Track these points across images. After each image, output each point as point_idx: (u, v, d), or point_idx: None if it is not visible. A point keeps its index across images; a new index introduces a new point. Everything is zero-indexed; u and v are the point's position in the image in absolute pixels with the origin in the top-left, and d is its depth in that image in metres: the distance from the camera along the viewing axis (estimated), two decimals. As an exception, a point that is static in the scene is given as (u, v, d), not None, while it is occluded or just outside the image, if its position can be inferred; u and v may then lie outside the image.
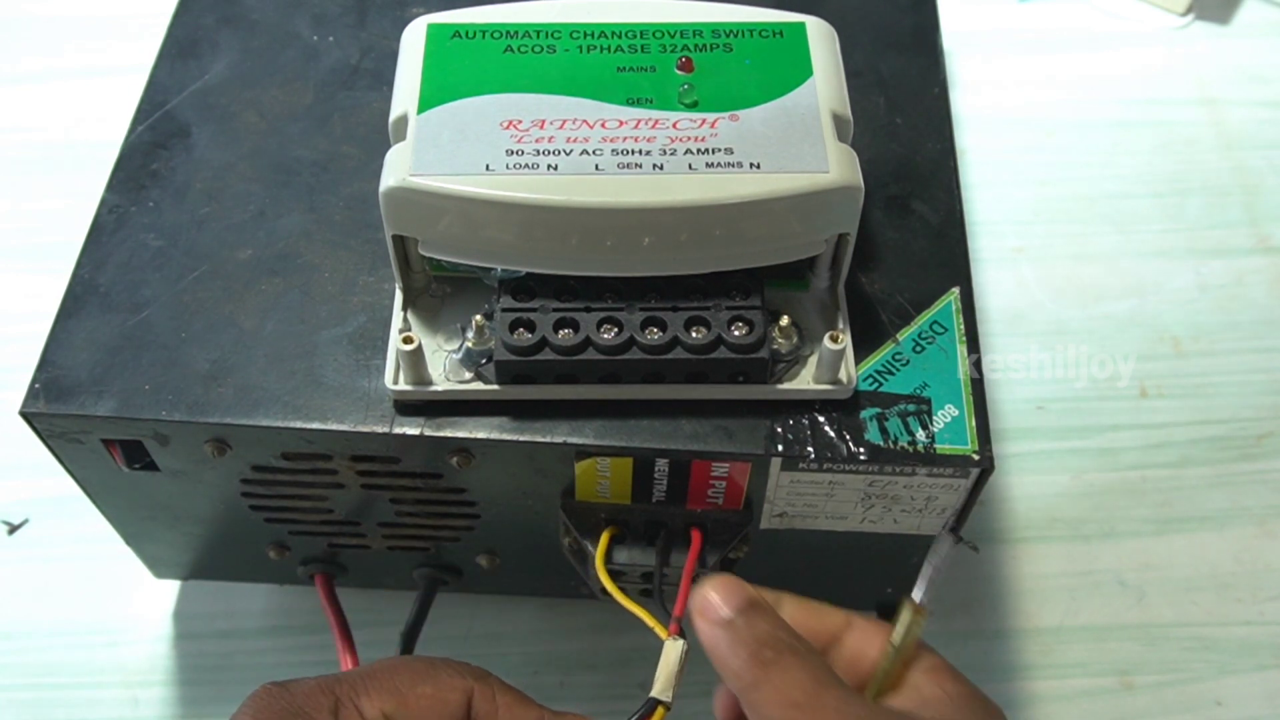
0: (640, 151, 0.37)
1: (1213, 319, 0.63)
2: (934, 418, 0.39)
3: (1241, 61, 0.75)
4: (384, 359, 0.40)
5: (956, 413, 0.40)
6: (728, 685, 0.34)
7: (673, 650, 0.37)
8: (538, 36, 0.40)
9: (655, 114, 0.38)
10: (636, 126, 0.38)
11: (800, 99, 0.39)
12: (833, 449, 0.39)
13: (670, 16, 0.41)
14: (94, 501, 0.45)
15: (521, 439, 0.39)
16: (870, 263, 0.43)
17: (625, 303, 0.38)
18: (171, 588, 0.53)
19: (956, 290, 0.43)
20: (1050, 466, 0.58)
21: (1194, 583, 0.55)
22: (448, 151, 0.37)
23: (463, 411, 0.39)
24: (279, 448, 0.40)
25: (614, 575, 0.41)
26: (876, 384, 0.40)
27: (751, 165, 0.37)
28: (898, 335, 0.41)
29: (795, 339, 0.40)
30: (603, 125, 0.38)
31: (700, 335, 0.38)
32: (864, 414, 0.40)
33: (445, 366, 0.39)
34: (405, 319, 0.40)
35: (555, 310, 0.38)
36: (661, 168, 0.37)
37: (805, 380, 0.39)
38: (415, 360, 0.38)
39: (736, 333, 0.38)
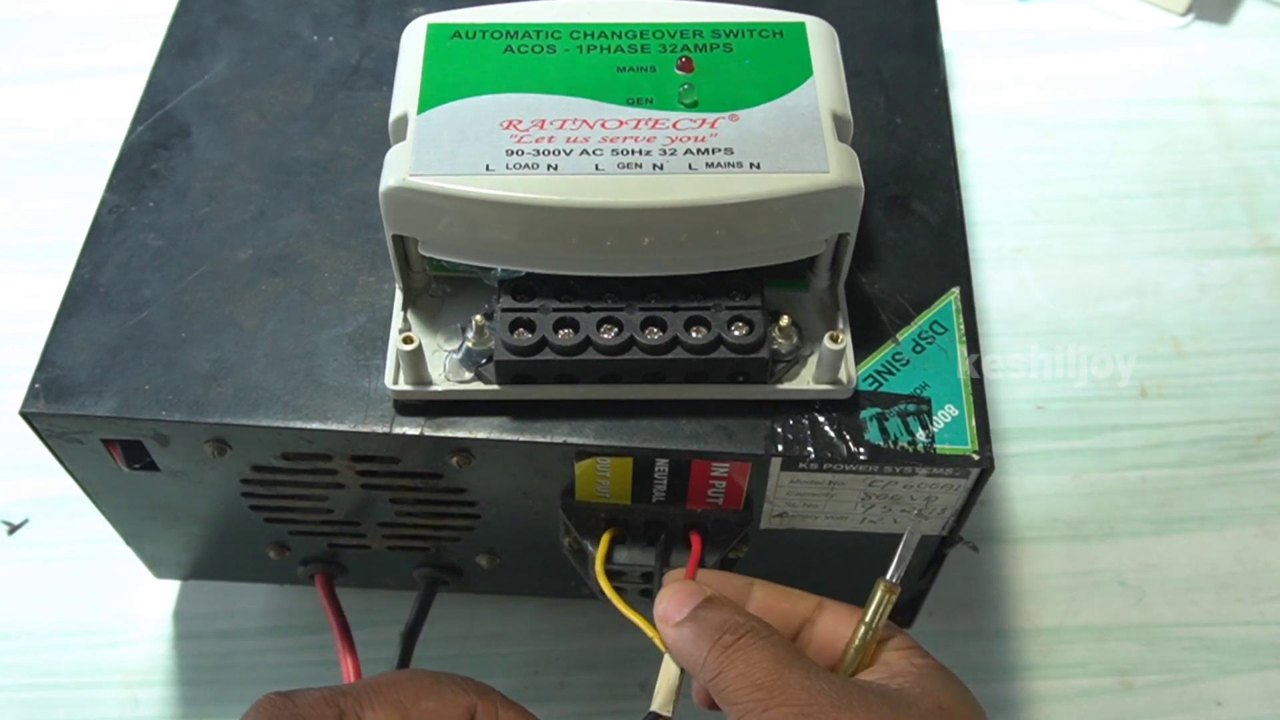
0: (640, 151, 0.37)
1: (1213, 319, 0.63)
2: (934, 418, 0.39)
3: (1241, 61, 0.75)
4: (384, 359, 0.40)
5: (956, 413, 0.40)
6: (699, 681, 0.35)
7: (673, 662, 0.36)
8: (538, 36, 0.40)
9: (655, 114, 0.38)
10: (636, 126, 0.38)
11: (800, 99, 0.39)
12: (833, 449, 0.39)
13: (670, 16, 0.41)
14: (94, 501, 0.45)
15: (521, 439, 0.39)
16: (870, 263, 0.43)
17: (625, 303, 0.38)
18: (171, 588, 0.54)
19: (956, 290, 0.43)
20: (1050, 466, 0.58)
21: (1194, 583, 0.55)
22: (448, 151, 0.37)
23: (463, 411, 0.39)
24: (279, 448, 0.40)
25: (614, 575, 0.41)
26: (876, 384, 0.40)
27: (751, 165, 0.37)
28: (898, 335, 0.41)
29: (795, 339, 0.40)
30: (603, 125, 0.38)
31: (700, 335, 0.38)
32: (864, 414, 0.40)
33: (445, 366, 0.39)
34: (405, 319, 0.40)
35: (555, 310, 0.38)
36: (661, 168, 0.37)
37: (805, 380, 0.39)
38: (415, 360, 0.38)
39: (736, 333, 0.38)
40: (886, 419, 0.40)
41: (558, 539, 0.43)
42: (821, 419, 0.39)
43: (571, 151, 0.37)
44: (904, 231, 0.44)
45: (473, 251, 0.38)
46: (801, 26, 0.41)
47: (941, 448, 0.39)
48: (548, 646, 0.52)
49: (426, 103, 0.38)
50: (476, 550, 0.47)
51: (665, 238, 0.37)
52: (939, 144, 0.47)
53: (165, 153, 0.46)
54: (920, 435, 0.39)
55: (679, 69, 0.39)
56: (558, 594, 0.51)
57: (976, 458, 0.39)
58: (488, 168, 0.36)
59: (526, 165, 0.37)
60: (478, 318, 0.38)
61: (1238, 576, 0.55)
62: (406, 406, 0.39)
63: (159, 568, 0.51)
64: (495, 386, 0.39)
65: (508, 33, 0.40)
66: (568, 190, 0.36)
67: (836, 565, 0.45)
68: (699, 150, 0.37)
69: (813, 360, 0.40)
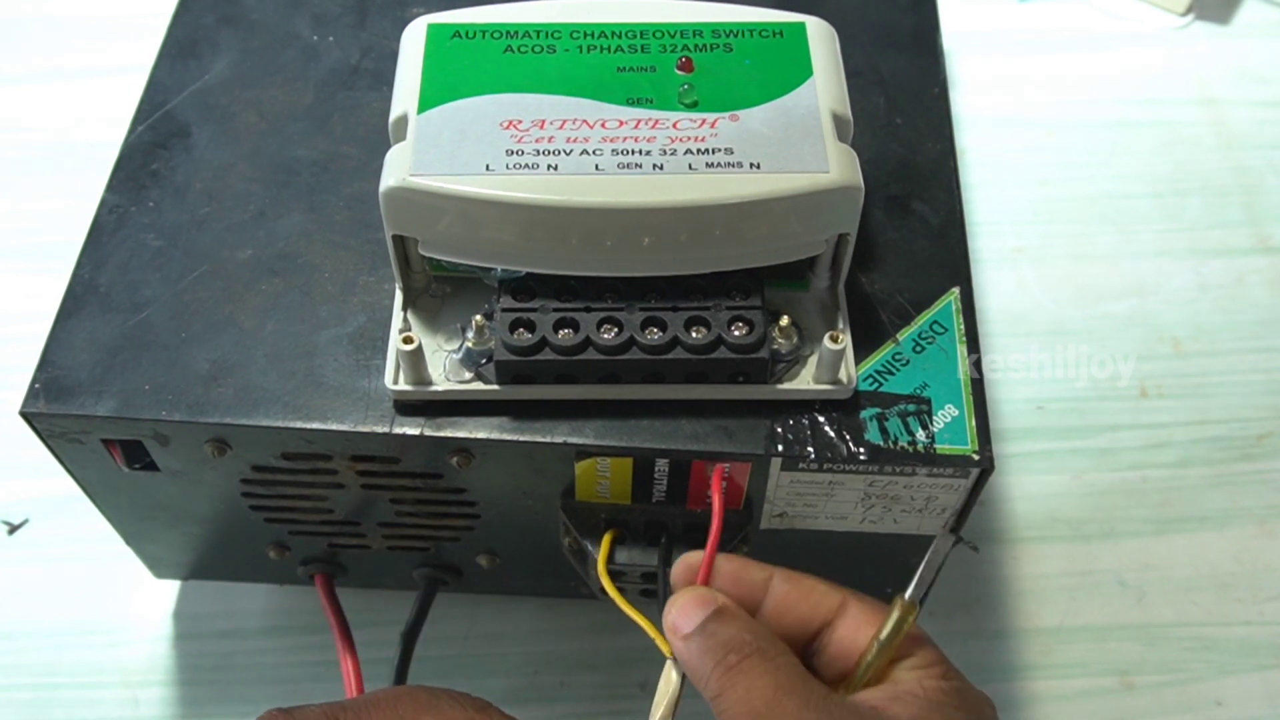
0: (640, 151, 0.37)
1: (1213, 319, 0.63)
2: (934, 418, 0.39)
3: (1241, 61, 0.75)
4: (384, 359, 0.40)
5: (956, 413, 0.40)
6: (703, 697, 0.34)
7: (674, 672, 0.36)
8: (538, 36, 0.40)
9: (655, 114, 0.38)
10: (636, 126, 0.38)
11: (800, 99, 0.39)
12: (833, 449, 0.39)
13: (670, 16, 0.41)
14: (94, 501, 0.45)
15: (521, 439, 0.39)
16: (870, 263, 0.43)
17: (625, 303, 0.38)
18: (171, 588, 0.53)
19: (956, 290, 0.43)
20: (1050, 466, 0.58)
21: (1194, 583, 0.55)
22: (448, 151, 0.37)
23: (463, 411, 0.39)
24: (279, 448, 0.40)
25: (615, 575, 0.41)
26: (876, 384, 0.40)
27: (751, 165, 0.37)
28: (898, 335, 0.41)
29: (795, 339, 0.40)
30: (603, 125, 0.38)
31: (700, 335, 0.38)
32: (864, 414, 0.40)
33: (445, 366, 0.39)
34: (405, 319, 0.40)
35: (555, 310, 0.38)
36: (661, 168, 0.37)
37: (805, 380, 0.39)
38: (415, 360, 0.38)
39: (736, 333, 0.38)
40: (886, 419, 0.40)
41: (558, 539, 0.43)
42: (821, 419, 0.39)
43: (571, 151, 0.37)
44: (904, 231, 0.44)
45: (473, 251, 0.38)
46: (801, 26, 0.41)
47: (941, 448, 0.39)
48: (548, 646, 0.52)
49: (426, 103, 0.38)
50: (476, 550, 0.47)
51: (665, 238, 0.37)
52: (939, 144, 0.47)
53: (165, 153, 0.46)
54: (920, 435, 0.39)
55: (679, 69, 0.39)
56: (558, 594, 0.51)
57: (976, 458, 0.39)
58: (488, 168, 0.37)
59: (526, 165, 0.37)
60: (478, 318, 0.38)
61: (1238, 576, 0.55)
62: (406, 406, 0.39)
63: (159, 568, 0.51)
64: (495, 386, 0.39)
65: (508, 33, 0.40)
66: (568, 190, 0.36)
67: (837, 565, 0.45)
68: (699, 150, 0.37)
69: (813, 360, 0.40)
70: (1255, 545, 0.56)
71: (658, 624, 0.38)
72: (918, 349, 0.41)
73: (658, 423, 0.39)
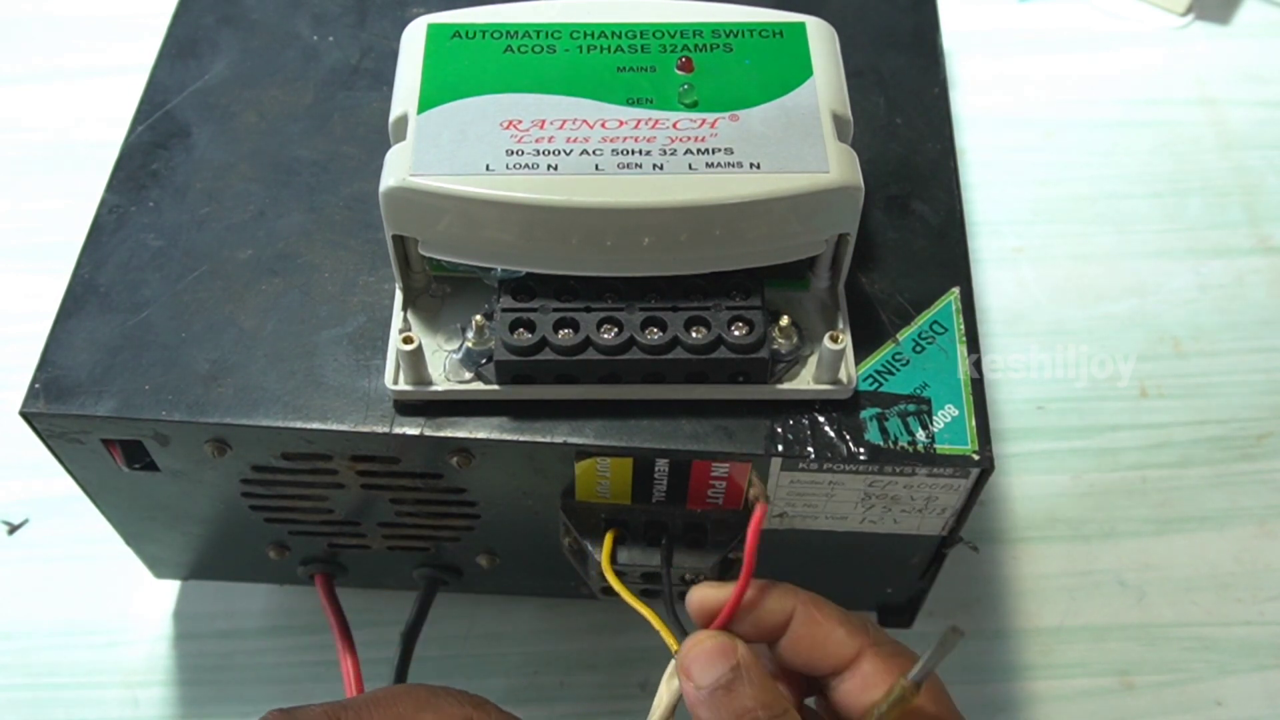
0: (640, 151, 0.37)
1: (1213, 319, 0.63)
2: (934, 418, 0.39)
3: (1241, 61, 0.75)
4: (384, 359, 0.40)
5: (956, 413, 0.40)
6: None
7: (676, 679, 0.36)
8: (538, 36, 0.40)
9: (655, 114, 0.38)
10: (636, 126, 0.38)
11: (800, 99, 0.39)
12: (833, 449, 0.39)
13: (670, 16, 0.41)
14: (94, 501, 0.45)
15: (521, 439, 0.39)
16: (870, 263, 0.43)
17: (625, 303, 0.38)
18: (171, 588, 0.53)
19: (956, 290, 0.43)
20: (1050, 466, 0.58)
21: (1194, 583, 0.55)
22: (448, 151, 0.37)
23: (463, 411, 0.39)
24: (279, 448, 0.40)
25: (616, 575, 0.41)
26: (876, 384, 0.40)
27: (751, 165, 0.37)
28: (898, 335, 0.41)
29: (795, 339, 0.40)
30: (603, 125, 0.38)
31: (700, 335, 0.38)
32: (864, 414, 0.40)
33: (445, 366, 0.39)
34: (405, 319, 0.40)
35: (555, 310, 0.38)
36: (661, 168, 0.37)
37: (805, 380, 0.39)
38: (415, 360, 0.38)
39: (736, 333, 0.38)
40: (886, 419, 0.40)
41: (558, 539, 0.43)
42: (821, 419, 0.39)
43: (571, 151, 0.37)
44: (904, 231, 0.44)
45: (473, 251, 0.38)
46: (801, 26, 0.41)
47: (941, 448, 0.39)
48: (548, 646, 0.52)
49: (426, 103, 0.38)
50: (476, 550, 0.47)
51: (665, 238, 0.37)
52: (939, 144, 0.47)
53: (165, 153, 0.46)
54: (920, 435, 0.39)
55: (679, 69, 0.39)
56: (558, 594, 0.51)
57: (976, 458, 0.39)
58: (488, 168, 0.37)
59: (526, 165, 0.37)
60: (478, 318, 0.38)
61: (1238, 576, 0.55)
62: (406, 406, 0.39)
63: (159, 568, 0.51)
64: (495, 386, 0.39)
65: (508, 33, 0.40)
66: (568, 190, 0.36)
67: (837, 565, 0.45)
68: (699, 150, 0.37)
69: (813, 360, 0.40)
70: (1255, 545, 0.56)
71: (663, 618, 0.38)
72: (918, 349, 0.41)
73: (658, 423, 0.39)
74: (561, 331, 0.38)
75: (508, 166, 0.36)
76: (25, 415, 0.39)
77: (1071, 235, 0.66)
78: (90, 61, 0.72)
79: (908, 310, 0.42)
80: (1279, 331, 0.62)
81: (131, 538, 0.48)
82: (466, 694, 0.37)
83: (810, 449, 0.39)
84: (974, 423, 0.39)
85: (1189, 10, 0.76)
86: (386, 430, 0.39)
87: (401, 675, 0.46)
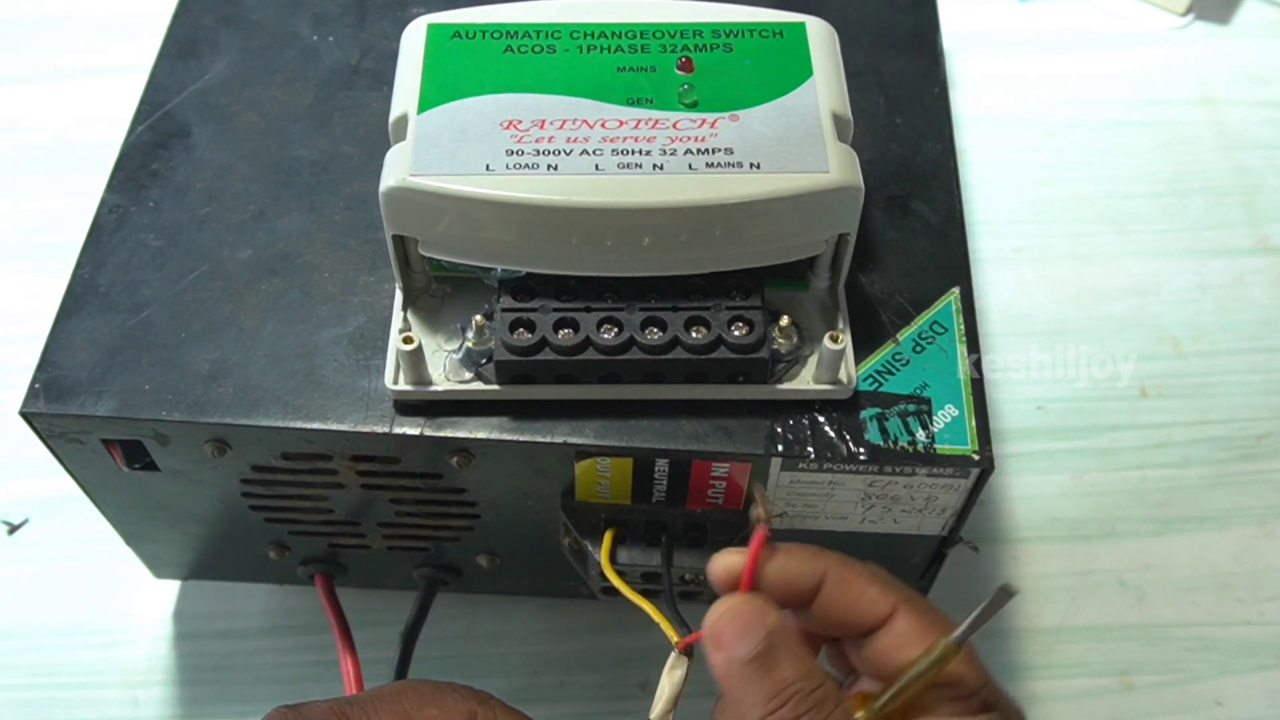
0: (640, 151, 0.37)
1: (1213, 319, 0.63)
2: (934, 418, 0.39)
3: (1241, 61, 0.75)
4: (384, 359, 0.40)
5: (956, 413, 0.40)
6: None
7: (679, 670, 0.36)
8: (538, 36, 0.40)
9: (655, 114, 0.38)
10: (636, 126, 0.38)
11: (800, 99, 0.39)
12: (833, 449, 0.39)
13: (670, 16, 0.41)
14: (94, 501, 0.45)
15: (521, 439, 0.39)
16: (870, 263, 0.43)
17: (625, 303, 0.38)
18: (171, 588, 0.53)
19: (956, 290, 0.43)
20: (1050, 466, 0.58)
21: (1194, 583, 0.55)
22: (448, 151, 0.37)
23: (463, 411, 0.39)
24: (279, 448, 0.40)
25: (617, 574, 0.41)
26: (876, 384, 0.40)
27: (751, 165, 0.37)
28: (898, 335, 0.41)
29: (795, 339, 0.40)
30: (603, 125, 0.38)
31: (700, 335, 0.38)
32: (864, 414, 0.40)
33: (445, 366, 0.39)
34: (405, 319, 0.40)
35: (555, 310, 0.38)
36: (661, 168, 0.37)
37: (805, 380, 0.39)
38: (415, 360, 0.38)
39: (736, 333, 0.38)
40: (886, 419, 0.40)
41: (558, 539, 0.43)
42: (821, 419, 0.39)
43: (571, 151, 0.37)
44: (904, 231, 0.44)
45: (473, 251, 0.38)
46: (801, 26, 0.41)
47: (941, 448, 0.39)
48: (548, 646, 0.52)
49: (426, 103, 0.38)
50: (476, 550, 0.47)
51: (665, 238, 0.37)
52: (939, 144, 0.47)
53: (165, 153, 0.46)
54: (920, 435, 0.39)
55: (679, 69, 0.39)
56: (558, 594, 0.51)
57: (976, 458, 0.39)
58: (488, 168, 0.37)
59: (526, 165, 0.37)
60: (478, 318, 0.38)
61: (1238, 576, 0.55)
62: (406, 406, 0.39)
63: (159, 568, 0.51)
64: (495, 386, 0.39)
65: (508, 33, 0.40)
66: (568, 190, 0.36)
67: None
68: (699, 150, 0.37)
69: (813, 360, 0.40)
70: (1255, 545, 0.56)
71: (664, 614, 0.38)
72: (918, 349, 0.41)
73: (658, 423, 0.39)
74: (561, 331, 0.38)
75: (508, 166, 0.37)
76: (25, 415, 0.39)
77: (1071, 235, 0.66)
78: (90, 61, 0.72)
79: (908, 310, 0.42)
80: (1279, 331, 0.62)
81: (131, 538, 0.48)
82: (470, 689, 0.37)
83: (810, 449, 0.39)
84: (974, 423, 0.39)
85: (1189, 10, 0.76)
86: (386, 430, 0.39)
87: (402, 675, 0.46)
